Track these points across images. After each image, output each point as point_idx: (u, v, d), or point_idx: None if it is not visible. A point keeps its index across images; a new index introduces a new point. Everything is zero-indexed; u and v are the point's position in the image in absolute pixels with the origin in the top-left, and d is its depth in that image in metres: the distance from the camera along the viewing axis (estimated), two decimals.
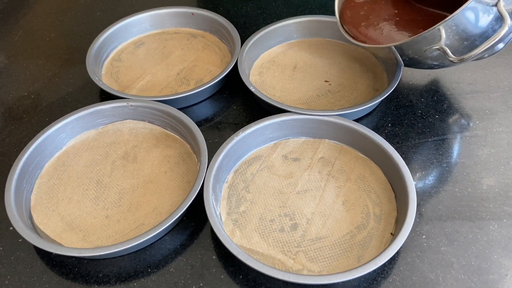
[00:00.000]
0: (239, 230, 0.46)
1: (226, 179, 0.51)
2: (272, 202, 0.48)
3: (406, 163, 0.47)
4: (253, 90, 0.56)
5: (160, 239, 0.46)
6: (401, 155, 0.50)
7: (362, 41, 0.53)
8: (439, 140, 0.54)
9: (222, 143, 0.50)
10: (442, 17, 0.45)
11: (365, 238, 0.45)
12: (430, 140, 0.54)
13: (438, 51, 0.44)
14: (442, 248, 0.44)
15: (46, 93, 0.63)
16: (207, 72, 0.63)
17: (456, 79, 0.61)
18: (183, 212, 0.45)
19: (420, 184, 0.50)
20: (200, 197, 0.46)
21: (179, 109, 0.57)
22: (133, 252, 0.45)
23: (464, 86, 0.60)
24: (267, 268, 0.40)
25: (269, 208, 0.48)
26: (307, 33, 0.67)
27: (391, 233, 0.45)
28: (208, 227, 0.47)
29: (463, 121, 0.56)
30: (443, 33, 0.43)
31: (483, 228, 0.46)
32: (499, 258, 0.43)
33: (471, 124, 0.55)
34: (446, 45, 0.44)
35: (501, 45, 0.50)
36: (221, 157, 0.49)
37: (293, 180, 0.50)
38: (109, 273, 0.44)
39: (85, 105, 0.56)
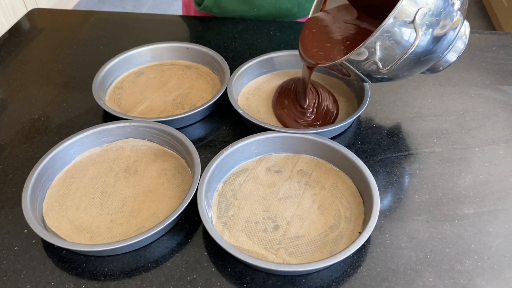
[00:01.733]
0: (228, 231, 0.53)
1: (217, 188, 0.58)
2: (256, 207, 0.55)
3: (372, 174, 0.55)
4: (240, 112, 0.64)
5: (158, 239, 0.53)
6: (368, 168, 0.58)
7: (320, 63, 0.59)
8: (402, 155, 0.62)
9: (214, 156, 0.57)
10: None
11: (337, 237, 0.52)
12: (394, 155, 0.62)
13: (375, 65, 0.51)
14: (402, 244, 0.51)
15: (54, 116, 0.70)
16: (200, 98, 0.71)
17: (418, 104, 0.70)
18: (179, 215, 0.52)
19: (385, 192, 0.57)
20: (194, 203, 0.52)
21: (176, 129, 0.65)
22: (135, 250, 0.51)
23: (425, 110, 0.69)
24: (252, 259, 0.46)
25: (254, 212, 0.55)
26: (288, 65, 0.76)
27: (359, 232, 0.52)
28: (201, 229, 0.54)
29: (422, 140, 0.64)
30: (377, 49, 0.49)
31: (437, 228, 0.53)
32: (451, 252, 0.50)
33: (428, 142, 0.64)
34: (380, 60, 0.50)
35: (453, 57, 0.59)
36: (212, 168, 0.56)
37: (275, 189, 0.58)
38: (114, 268, 0.50)
39: (90, 126, 0.63)
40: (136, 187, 0.58)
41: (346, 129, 0.66)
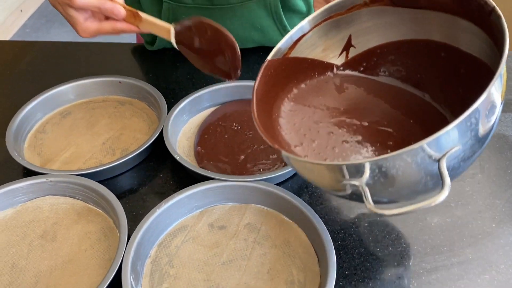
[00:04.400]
0: None
1: (149, 254, 0.49)
2: (196, 276, 0.47)
3: (329, 224, 0.48)
4: (177, 158, 0.56)
5: None
6: (324, 216, 0.51)
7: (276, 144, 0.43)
8: None
9: (146, 215, 0.49)
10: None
11: None
12: None
13: (357, 188, 0.36)
14: None
15: None
16: (134, 140, 0.63)
17: None
18: None
19: (343, 245, 0.50)
20: (120, 276, 0.44)
21: (104, 180, 0.56)
22: None
23: None
24: None
25: (193, 283, 0.47)
26: (236, 96, 0.69)
27: None
28: None
29: None
30: (367, 170, 0.34)
31: (404, 287, 0.46)
32: None
33: None
34: (368, 185, 0.35)
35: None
36: (141, 232, 0.48)
37: (218, 250, 0.50)
38: None
39: (6, 182, 0.54)
40: (53, 257, 0.49)
41: None
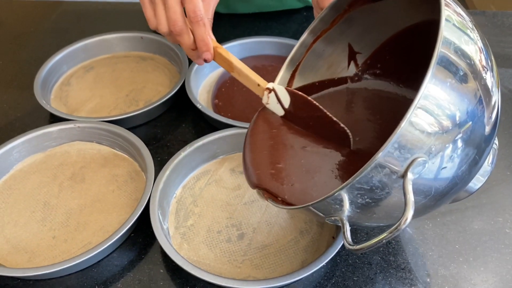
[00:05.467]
0: (186, 243, 0.47)
1: (175, 194, 0.52)
2: (219, 214, 0.50)
3: None
4: (200, 107, 0.58)
5: (107, 256, 0.46)
6: None
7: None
8: None
9: (171, 158, 0.51)
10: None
11: (308, 243, 0.47)
12: None
13: (338, 222, 0.33)
14: (381, 249, 0.46)
15: None
16: (156, 92, 0.64)
17: None
18: (130, 228, 0.45)
19: None
20: (147, 213, 0.46)
21: (128, 129, 0.58)
22: (80, 270, 0.45)
23: None
24: (211, 277, 0.41)
25: (216, 220, 0.49)
26: (252, 51, 0.70)
27: (333, 237, 0.46)
28: (157, 242, 0.48)
29: None
30: (346, 202, 0.31)
31: (418, 227, 0.48)
32: (433, 255, 0.46)
33: None
34: (349, 218, 0.33)
35: (476, 185, 0.42)
36: (168, 172, 0.50)
37: (240, 192, 0.52)
38: None
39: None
40: (82, 196, 0.52)
41: None
